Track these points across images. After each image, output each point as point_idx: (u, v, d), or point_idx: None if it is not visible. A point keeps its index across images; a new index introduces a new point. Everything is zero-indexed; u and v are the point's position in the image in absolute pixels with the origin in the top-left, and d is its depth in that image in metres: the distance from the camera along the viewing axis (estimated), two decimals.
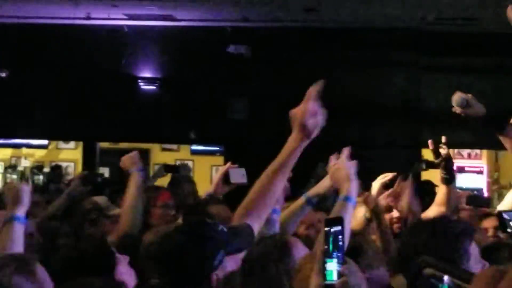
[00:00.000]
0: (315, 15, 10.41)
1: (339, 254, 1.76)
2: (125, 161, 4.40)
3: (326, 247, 1.79)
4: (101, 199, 4.85)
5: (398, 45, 11.18)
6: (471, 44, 11.06)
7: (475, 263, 2.58)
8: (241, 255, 2.68)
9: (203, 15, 10.89)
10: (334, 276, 1.73)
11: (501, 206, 4.46)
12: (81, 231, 4.60)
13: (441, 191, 4.50)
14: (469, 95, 4.15)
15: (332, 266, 1.75)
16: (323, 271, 1.76)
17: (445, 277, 2.23)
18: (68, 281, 2.35)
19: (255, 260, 2.71)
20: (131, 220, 3.91)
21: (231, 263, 2.57)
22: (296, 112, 2.82)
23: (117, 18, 10.92)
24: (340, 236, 1.78)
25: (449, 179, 4.41)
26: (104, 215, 4.59)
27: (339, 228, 1.80)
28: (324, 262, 1.76)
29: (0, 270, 2.26)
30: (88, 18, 10.77)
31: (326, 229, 1.82)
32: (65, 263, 2.98)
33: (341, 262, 1.74)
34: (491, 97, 10.24)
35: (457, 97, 4.10)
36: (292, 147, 2.84)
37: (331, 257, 1.76)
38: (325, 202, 4.23)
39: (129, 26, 11.32)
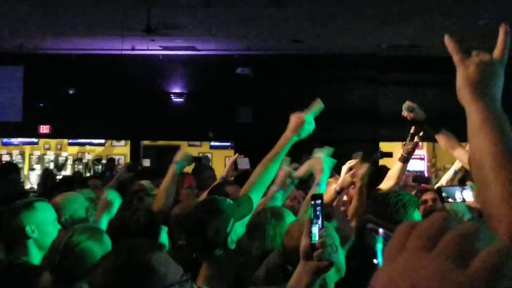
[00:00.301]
0: (300, 45, 10.42)
1: (318, 221, 1.78)
2: (178, 154, 4.32)
3: (310, 215, 1.81)
4: (146, 183, 4.83)
5: (361, 66, 11.20)
6: (416, 65, 11.09)
7: None
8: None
9: (217, 46, 10.89)
10: (316, 238, 1.75)
11: (442, 181, 4.49)
12: (130, 206, 4.60)
13: (396, 167, 4.51)
14: (415, 104, 4.19)
15: (315, 230, 1.76)
16: (309, 233, 1.77)
17: (380, 230, 2.23)
18: (122, 240, 2.35)
19: (258, 225, 2.73)
20: (164, 200, 3.89)
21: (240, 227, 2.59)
22: (299, 116, 2.84)
23: (154, 49, 10.93)
24: (319, 208, 1.80)
25: (406, 159, 4.46)
26: (148, 194, 4.58)
27: (319, 201, 1.82)
28: (310, 227, 1.77)
29: (77, 237, 2.27)
30: (133, 49, 10.79)
31: (312, 202, 1.84)
32: (121, 228, 2.98)
33: (320, 227, 1.76)
34: (433, 106, 10.26)
35: (405, 104, 4.16)
36: (285, 142, 2.86)
37: (314, 223, 1.77)
38: (306, 184, 4.24)
39: (163, 55, 11.35)
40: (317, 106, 2.88)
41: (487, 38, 7.98)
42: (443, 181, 4.44)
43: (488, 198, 1.19)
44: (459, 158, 4.17)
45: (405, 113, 4.26)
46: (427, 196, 4.02)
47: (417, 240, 0.54)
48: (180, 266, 2.40)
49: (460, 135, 4.07)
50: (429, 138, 4.68)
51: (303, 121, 2.81)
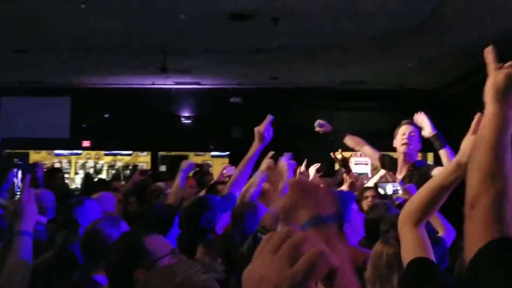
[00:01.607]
0: (276, 81, 10.47)
1: None
2: (183, 163, 4.29)
3: None
4: (160, 184, 4.82)
5: (322, 96, 11.25)
6: (362, 95, 11.18)
7: (355, 213, 2.58)
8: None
9: (216, 82, 10.92)
10: None
11: (371, 182, 4.45)
12: (149, 202, 4.56)
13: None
14: (323, 121, 4.20)
15: None
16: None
17: None
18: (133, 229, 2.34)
19: (239, 215, 2.73)
20: (175, 198, 3.89)
21: (225, 217, 2.59)
22: (258, 129, 2.86)
23: (169, 84, 10.92)
24: None
25: (347, 171, 4.40)
26: (162, 193, 4.56)
27: None
28: None
29: (100, 225, 2.25)
30: (153, 84, 10.79)
31: None
32: (142, 218, 2.97)
33: None
34: (373, 125, 10.33)
35: (316, 122, 4.17)
36: (255, 149, 2.87)
37: None
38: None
39: (175, 88, 11.34)
40: (268, 119, 2.91)
41: (415, 76, 8.05)
42: (375, 179, 4.42)
43: (471, 179, 1.14)
44: (366, 153, 4.15)
45: (316, 128, 4.26)
46: (368, 193, 4.01)
47: (269, 246, 0.59)
48: (185, 245, 2.37)
49: (390, 147, 4.09)
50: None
51: (261, 131, 2.83)
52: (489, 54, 1.28)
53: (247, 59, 8.52)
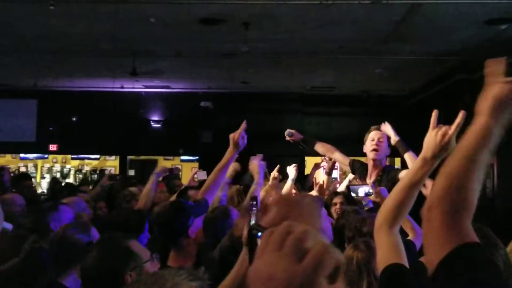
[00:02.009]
0: (247, 85, 10.49)
1: (253, 216, 1.77)
2: (159, 168, 4.24)
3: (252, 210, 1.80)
4: (133, 189, 4.76)
5: (291, 101, 11.35)
6: (330, 101, 11.31)
7: (324, 220, 2.58)
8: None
9: (186, 85, 10.86)
10: None
11: (342, 186, 4.53)
12: (120, 207, 4.49)
13: (322, 178, 4.55)
14: (293, 130, 4.26)
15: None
16: (249, 225, 1.77)
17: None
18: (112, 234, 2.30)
19: (211, 220, 2.71)
20: (145, 202, 3.84)
21: (198, 222, 2.57)
22: (233, 136, 2.84)
23: (138, 87, 10.81)
24: (255, 202, 1.80)
25: (329, 173, 4.49)
26: (134, 198, 4.51)
27: (254, 202, 1.81)
28: (249, 220, 1.76)
29: (71, 231, 2.22)
30: (122, 87, 10.63)
31: (252, 202, 1.83)
32: (113, 223, 2.91)
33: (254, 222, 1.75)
34: (341, 130, 10.48)
35: (286, 132, 4.22)
36: (229, 156, 2.85)
37: (252, 218, 1.76)
38: (242, 180, 4.21)
39: (145, 92, 11.22)
40: (243, 126, 2.89)
41: (382, 82, 8.20)
42: (344, 183, 4.49)
43: (437, 182, 1.13)
44: (337, 159, 4.23)
45: (287, 137, 4.32)
46: (337, 200, 4.04)
47: (272, 243, 0.59)
48: (156, 250, 2.35)
49: (358, 152, 4.15)
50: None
51: (238, 138, 2.81)
52: (492, 65, 1.20)
53: (218, 64, 8.51)
